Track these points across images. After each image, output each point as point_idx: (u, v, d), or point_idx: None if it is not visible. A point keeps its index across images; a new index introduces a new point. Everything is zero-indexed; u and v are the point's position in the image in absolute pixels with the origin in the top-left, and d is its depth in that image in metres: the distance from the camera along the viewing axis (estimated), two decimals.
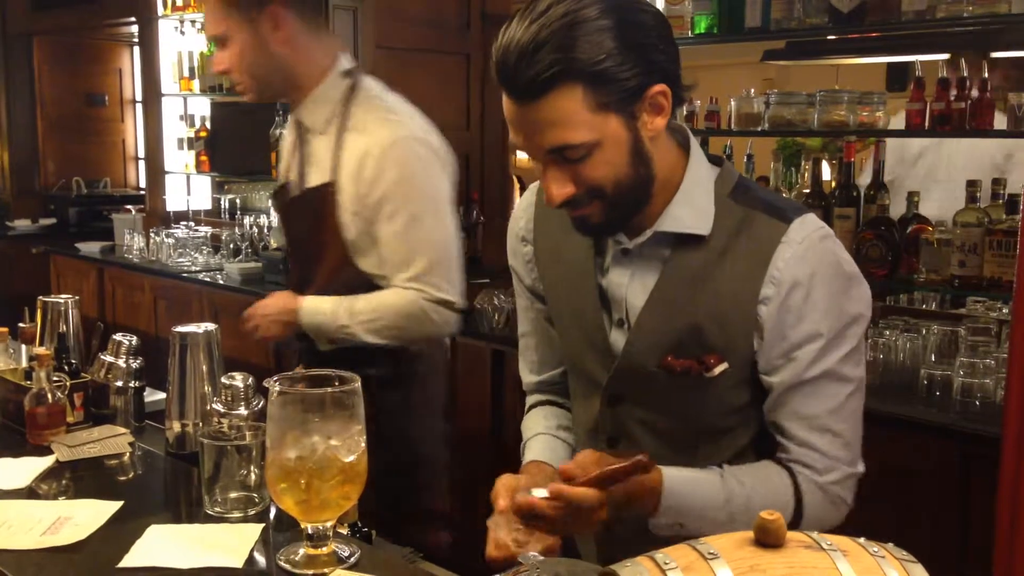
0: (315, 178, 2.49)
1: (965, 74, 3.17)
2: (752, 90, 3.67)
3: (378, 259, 2.43)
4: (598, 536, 1.74)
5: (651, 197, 1.56)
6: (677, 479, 1.54)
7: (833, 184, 3.57)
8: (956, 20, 3.10)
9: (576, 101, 1.42)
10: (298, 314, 2.44)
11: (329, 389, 1.52)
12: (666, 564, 0.97)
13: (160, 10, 5.51)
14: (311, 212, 2.49)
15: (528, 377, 1.94)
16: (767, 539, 0.98)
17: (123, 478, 2.00)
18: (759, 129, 3.64)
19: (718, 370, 1.56)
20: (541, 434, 1.83)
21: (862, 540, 1.02)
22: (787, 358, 1.55)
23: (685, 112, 3.81)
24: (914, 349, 3.13)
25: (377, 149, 2.37)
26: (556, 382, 1.90)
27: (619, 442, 1.69)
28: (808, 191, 3.47)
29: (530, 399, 1.94)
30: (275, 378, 1.54)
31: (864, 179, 3.50)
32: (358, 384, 1.54)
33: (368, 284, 2.45)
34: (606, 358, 1.67)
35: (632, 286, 1.63)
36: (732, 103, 3.68)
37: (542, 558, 1.23)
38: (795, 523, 1.57)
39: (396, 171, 2.36)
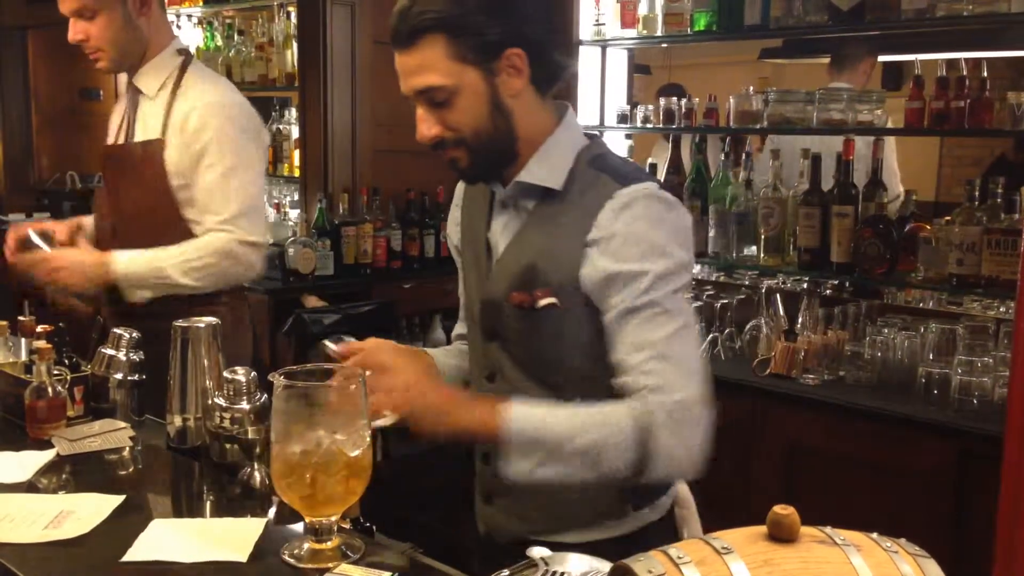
0: (141, 134, 2.81)
1: (964, 73, 3.18)
2: (751, 88, 3.67)
3: (194, 205, 2.75)
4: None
5: (517, 152, 1.77)
6: (526, 402, 1.67)
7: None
8: (956, 19, 3.10)
9: (438, 49, 1.66)
10: (110, 265, 2.68)
11: (334, 383, 1.52)
12: (680, 559, 0.97)
13: None
14: (136, 165, 2.78)
15: (457, 328, 2.15)
16: (780, 533, 0.98)
17: (124, 472, 1.99)
18: (757, 127, 3.65)
19: (543, 302, 1.72)
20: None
21: (875, 535, 1.01)
22: (619, 292, 1.67)
23: (684, 109, 3.82)
24: (912, 347, 3.14)
25: (202, 105, 2.73)
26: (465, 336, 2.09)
27: (495, 378, 1.85)
28: (806, 189, 3.46)
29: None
30: (280, 372, 1.54)
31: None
32: (363, 378, 1.54)
33: (188, 232, 2.75)
34: (481, 297, 1.88)
35: (504, 233, 1.84)
36: (731, 100, 3.69)
37: (549, 553, 1.23)
38: (644, 451, 1.60)
39: (217, 126, 2.72)
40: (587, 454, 1.61)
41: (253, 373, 1.93)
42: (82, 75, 6.79)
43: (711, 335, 3.57)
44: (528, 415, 1.64)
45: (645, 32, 3.85)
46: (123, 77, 2.97)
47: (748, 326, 3.56)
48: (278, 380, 1.52)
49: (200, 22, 5.47)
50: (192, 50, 5.37)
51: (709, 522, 1.87)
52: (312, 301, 4.49)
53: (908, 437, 2.95)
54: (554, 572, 1.18)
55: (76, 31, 2.72)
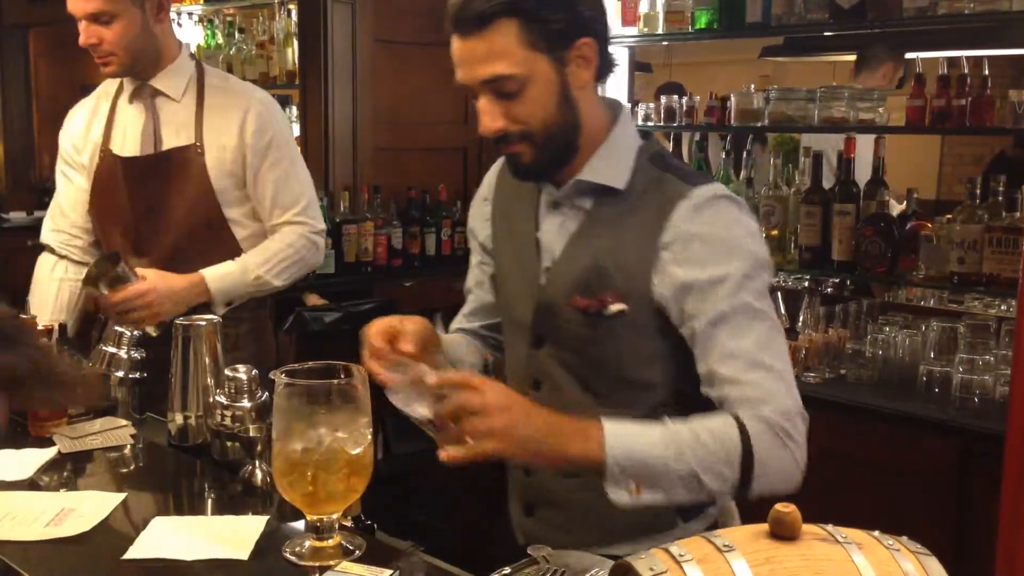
0: (175, 139, 2.75)
1: (966, 71, 3.17)
2: (752, 86, 3.67)
3: (252, 204, 2.77)
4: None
5: (577, 149, 1.70)
6: (616, 422, 1.54)
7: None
8: (957, 17, 3.10)
9: (511, 36, 1.59)
10: (202, 285, 2.65)
11: (335, 381, 1.52)
12: (681, 556, 0.97)
13: None
14: (171, 172, 2.73)
15: (457, 322, 2.10)
16: (782, 531, 0.98)
17: (126, 470, 1.99)
18: (759, 125, 3.64)
19: (614, 308, 1.65)
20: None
21: (877, 533, 1.02)
22: (703, 301, 1.60)
23: (684, 107, 3.82)
24: (913, 345, 3.14)
25: (258, 105, 2.74)
26: (476, 332, 2.05)
27: (542, 384, 1.78)
28: (807, 187, 3.46)
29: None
30: (281, 369, 1.54)
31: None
32: (364, 376, 1.54)
33: (227, 233, 2.75)
34: (534, 301, 1.78)
35: (558, 234, 1.76)
36: (732, 98, 3.68)
37: (551, 550, 1.23)
38: (747, 466, 1.52)
39: (275, 123, 2.77)
40: (690, 478, 1.52)
41: (255, 371, 1.93)
42: (83, 73, 6.75)
43: None
44: (626, 440, 1.51)
45: (646, 30, 3.84)
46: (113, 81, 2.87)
47: None
48: (279, 378, 1.52)
49: (201, 20, 5.46)
50: (193, 48, 5.40)
51: None
52: (313, 299, 4.49)
53: (909, 435, 2.95)
54: (555, 570, 1.19)
55: (89, 35, 2.65)
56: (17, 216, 6.53)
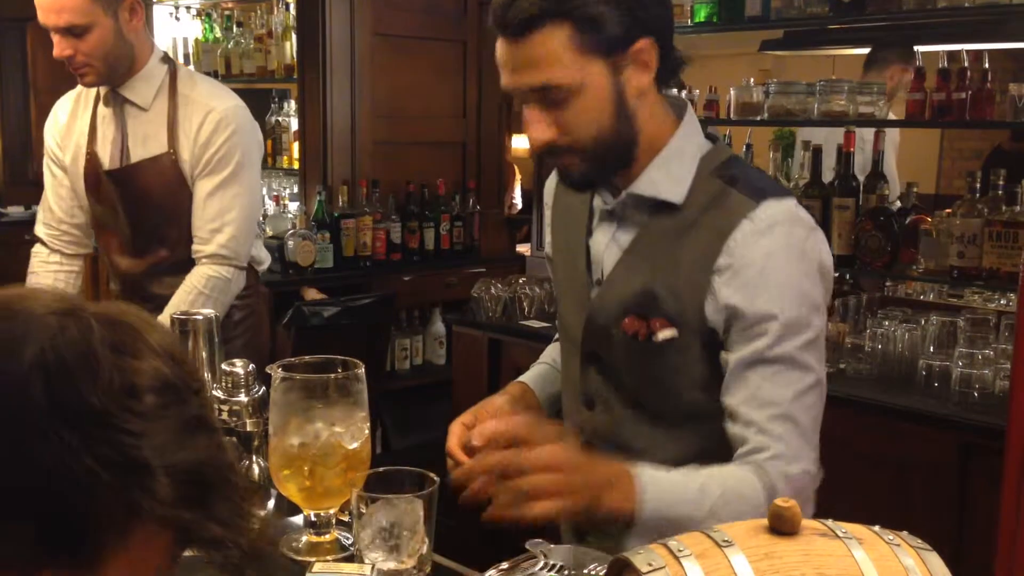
0: (142, 150, 2.73)
1: (966, 65, 3.16)
2: (752, 79, 3.66)
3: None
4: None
5: (635, 158, 1.58)
6: (652, 473, 1.47)
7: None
8: (957, 10, 3.09)
9: (563, 40, 1.46)
10: None
11: (332, 375, 1.51)
12: (680, 552, 0.96)
13: None
14: (149, 181, 2.72)
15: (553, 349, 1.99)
16: (782, 527, 0.97)
17: None
18: (758, 119, 3.63)
19: (663, 335, 1.55)
20: (542, 363, 1.93)
21: (877, 528, 1.01)
22: (745, 335, 1.51)
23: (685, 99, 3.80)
24: (913, 340, 3.13)
25: (217, 115, 2.69)
26: None
27: (595, 405, 1.69)
28: (806, 181, 3.45)
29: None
30: (278, 363, 1.53)
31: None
32: (362, 370, 1.54)
33: None
34: (585, 315, 1.69)
35: (610, 247, 1.65)
36: (731, 92, 3.67)
37: (550, 546, 1.22)
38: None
39: (233, 138, 2.69)
40: (719, 514, 1.44)
41: (251, 365, 1.91)
42: None
43: None
44: (660, 500, 1.43)
45: None
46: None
47: None
48: (276, 372, 1.51)
49: (199, 14, 5.45)
50: (191, 42, 5.38)
51: None
52: (312, 294, 4.49)
53: (909, 430, 2.94)
54: (552, 564, 1.18)
55: (63, 47, 2.59)
56: (15, 210, 6.51)
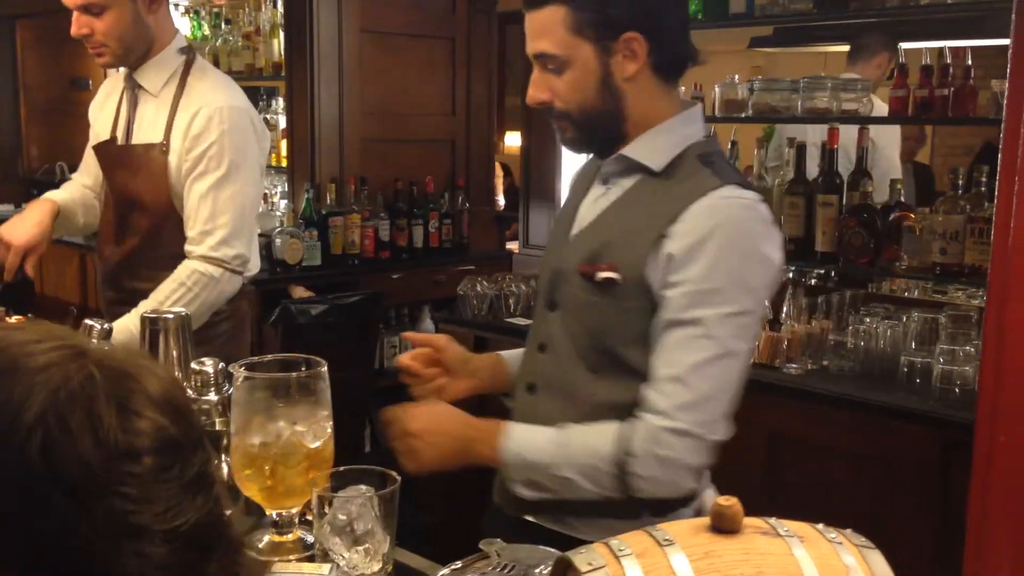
0: (142, 136, 2.78)
1: (948, 61, 3.16)
2: (736, 76, 3.66)
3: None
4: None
5: (625, 134, 1.76)
6: (521, 428, 1.74)
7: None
8: (940, 7, 3.09)
9: (558, 17, 1.68)
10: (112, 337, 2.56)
11: (294, 374, 1.51)
12: (620, 551, 0.96)
13: None
14: (137, 166, 2.75)
15: None
16: (723, 525, 0.97)
17: None
18: (743, 116, 3.63)
19: (603, 275, 1.70)
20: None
21: (820, 526, 1.00)
22: (671, 297, 1.65)
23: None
24: (895, 336, 3.12)
25: (212, 110, 2.68)
26: None
27: (547, 348, 1.84)
28: (792, 178, 3.45)
29: None
30: (241, 363, 1.53)
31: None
32: (324, 369, 1.53)
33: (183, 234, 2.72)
34: (552, 266, 1.87)
35: (594, 206, 1.83)
36: (716, 89, 3.67)
37: (504, 545, 1.22)
38: (623, 470, 1.63)
39: (220, 132, 2.68)
40: (567, 481, 1.66)
41: (221, 364, 1.91)
42: (72, 64, 6.76)
43: None
44: (519, 449, 1.70)
45: None
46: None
47: None
48: (238, 371, 1.51)
49: (187, 11, 5.44)
50: None
51: None
52: (299, 291, 4.48)
53: (891, 426, 2.94)
54: (505, 564, 1.18)
55: (80, 25, 2.66)
56: (5, 209, 6.51)
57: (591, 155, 1.91)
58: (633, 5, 1.70)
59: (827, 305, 3.35)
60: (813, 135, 3.74)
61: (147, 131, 2.77)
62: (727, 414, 1.68)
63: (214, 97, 2.72)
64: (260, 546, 1.53)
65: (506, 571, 1.17)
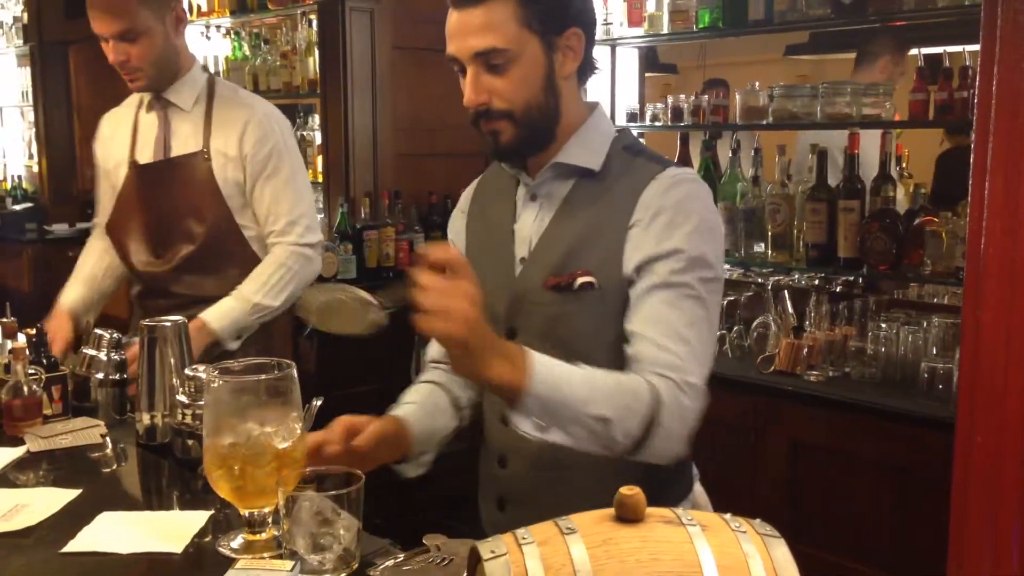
0: (180, 149, 2.88)
1: (968, 63, 3.12)
2: (757, 83, 3.65)
3: (256, 212, 2.86)
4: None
5: (555, 136, 1.77)
6: (544, 357, 1.54)
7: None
8: (958, 10, 3.06)
9: (507, 11, 1.67)
10: (205, 327, 2.67)
11: (264, 376, 1.54)
12: (524, 539, 0.97)
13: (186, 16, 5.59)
14: (185, 178, 2.85)
15: (432, 350, 2.07)
16: (625, 513, 0.98)
17: (89, 468, 2.02)
18: (764, 123, 3.62)
19: (580, 280, 1.70)
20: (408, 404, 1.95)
21: (728, 516, 1.01)
22: (650, 266, 1.67)
23: (691, 106, 3.80)
24: (915, 342, 3.09)
25: (260, 116, 2.85)
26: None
27: None
28: (812, 184, 3.42)
29: (422, 375, 2.07)
30: (214, 366, 1.57)
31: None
32: (294, 371, 1.56)
33: (237, 237, 2.86)
34: (509, 293, 1.80)
35: (536, 224, 1.81)
36: (737, 97, 3.66)
37: (445, 539, 1.24)
38: (650, 422, 1.56)
39: (278, 134, 2.86)
40: (599, 421, 1.53)
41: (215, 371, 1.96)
42: (122, 87, 6.89)
43: (719, 333, 3.54)
44: (550, 376, 1.51)
45: (651, 30, 3.84)
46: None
47: (756, 323, 3.52)
48: (211, 374, 1.55)
49: (228, 32, 5.56)
50: (221, 60, 5.49)
51: None
52: None
53: (911, 433, 2.91)
54: (442, 559, 1.20)
55: (118, 53, 2.76)
56: (60, 227, 6.69)
57: (508, 167, 1.86)
58: (575, 2, 1.74)
59: (849, 311, 3.32)
60: (839, 143, 3.71)
61: (185, 143, 2.87)
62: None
63: (257, 105, 2.91)
64: (234, 545, 1.56)
65: (443, 564, 1.19)
